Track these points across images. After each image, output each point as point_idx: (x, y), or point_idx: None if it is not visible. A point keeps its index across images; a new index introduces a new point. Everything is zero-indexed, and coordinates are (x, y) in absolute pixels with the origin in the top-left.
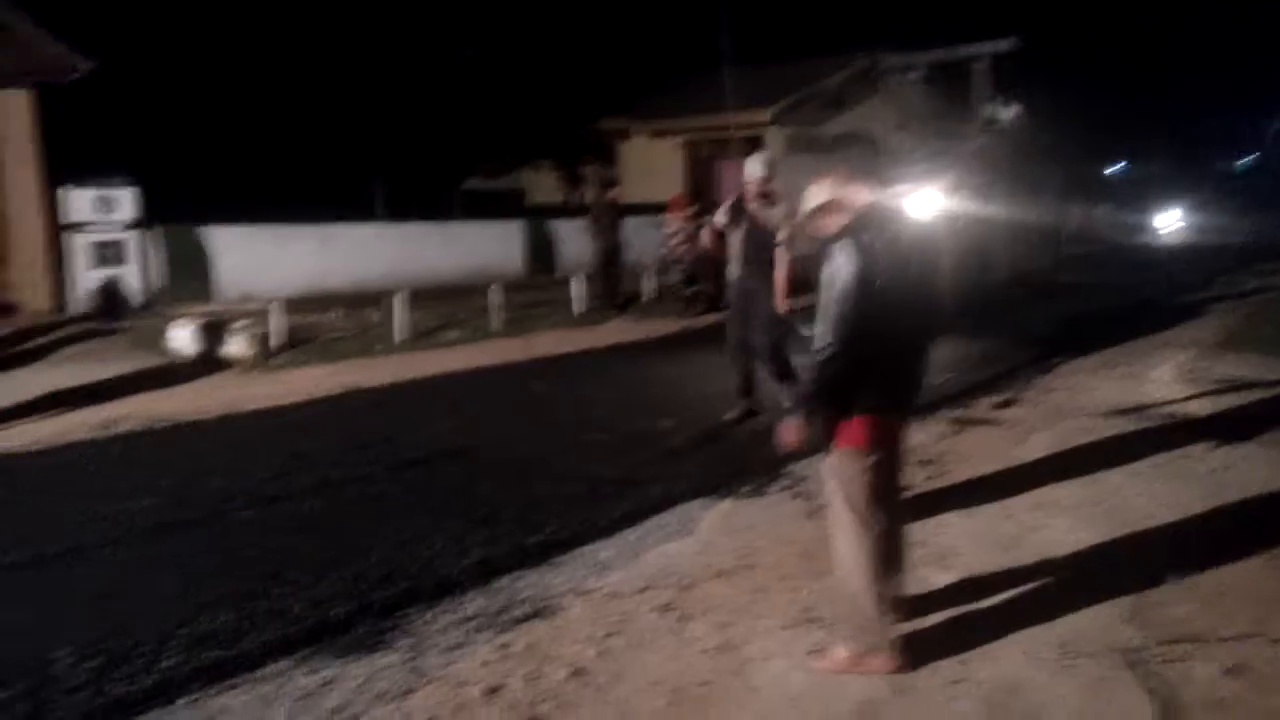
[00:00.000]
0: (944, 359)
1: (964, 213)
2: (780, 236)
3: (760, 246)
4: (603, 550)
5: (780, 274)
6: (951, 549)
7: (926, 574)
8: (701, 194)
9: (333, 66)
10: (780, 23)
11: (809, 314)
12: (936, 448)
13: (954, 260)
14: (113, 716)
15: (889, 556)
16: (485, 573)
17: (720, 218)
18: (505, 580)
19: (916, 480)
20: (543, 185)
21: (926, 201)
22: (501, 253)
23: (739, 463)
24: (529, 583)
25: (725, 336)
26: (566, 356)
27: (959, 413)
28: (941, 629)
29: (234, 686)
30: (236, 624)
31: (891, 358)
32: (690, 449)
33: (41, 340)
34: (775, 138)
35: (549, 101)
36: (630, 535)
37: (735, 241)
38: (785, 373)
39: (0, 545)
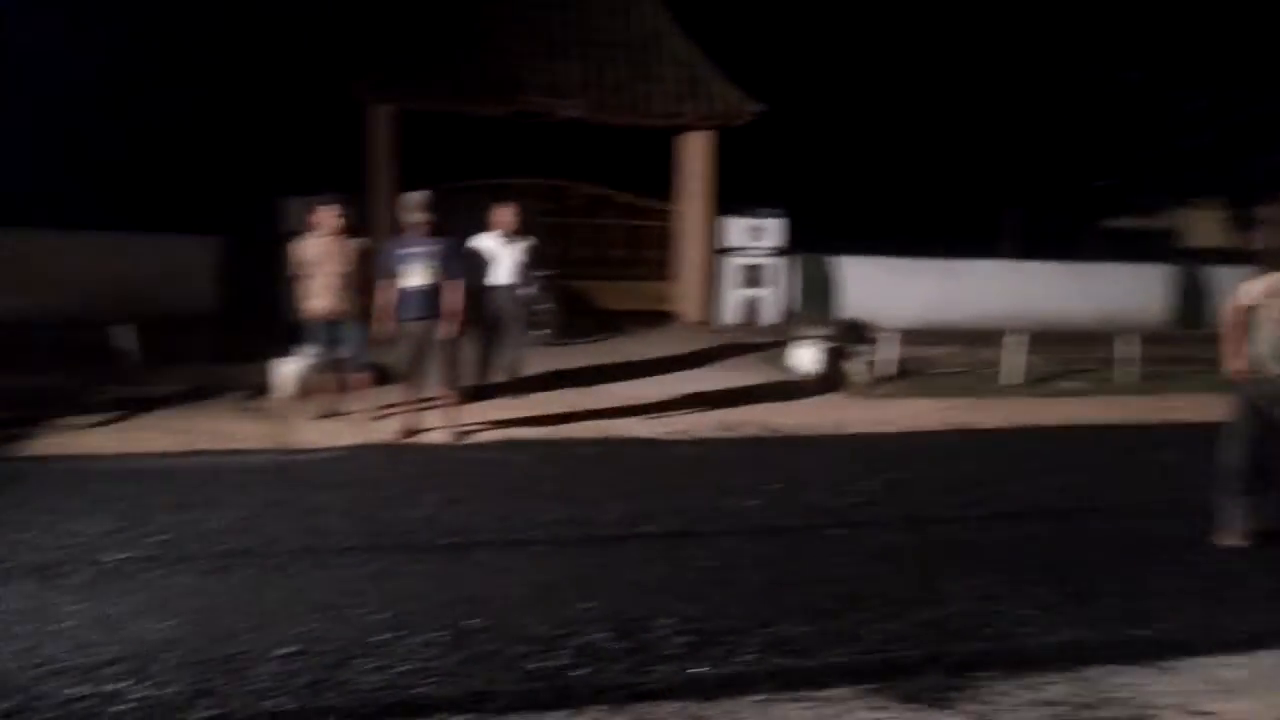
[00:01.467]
0: None
1: None
2: None
3: None
4: (1228, 667)
5: None
6: None
7: None
8: None
9: (970, 97)
10: None
11: None
12: None
13: None
14: (690, 695)
15: None
16: (1073, 656)
17: (1254, 292)
18: (1097, 672)
19: None
20: (1203, 226)
21: None
22: (1139, 299)
23: None
24: (1125, 682)
25: None
26: (1209, 425)
27: None
28: None
29: (797, 700)
30: (810, 637)
31: None
32: None
33: (695, 348)
34: None
35: (1220, 129)
36: (1270, 659)
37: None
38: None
39: (646, 514)
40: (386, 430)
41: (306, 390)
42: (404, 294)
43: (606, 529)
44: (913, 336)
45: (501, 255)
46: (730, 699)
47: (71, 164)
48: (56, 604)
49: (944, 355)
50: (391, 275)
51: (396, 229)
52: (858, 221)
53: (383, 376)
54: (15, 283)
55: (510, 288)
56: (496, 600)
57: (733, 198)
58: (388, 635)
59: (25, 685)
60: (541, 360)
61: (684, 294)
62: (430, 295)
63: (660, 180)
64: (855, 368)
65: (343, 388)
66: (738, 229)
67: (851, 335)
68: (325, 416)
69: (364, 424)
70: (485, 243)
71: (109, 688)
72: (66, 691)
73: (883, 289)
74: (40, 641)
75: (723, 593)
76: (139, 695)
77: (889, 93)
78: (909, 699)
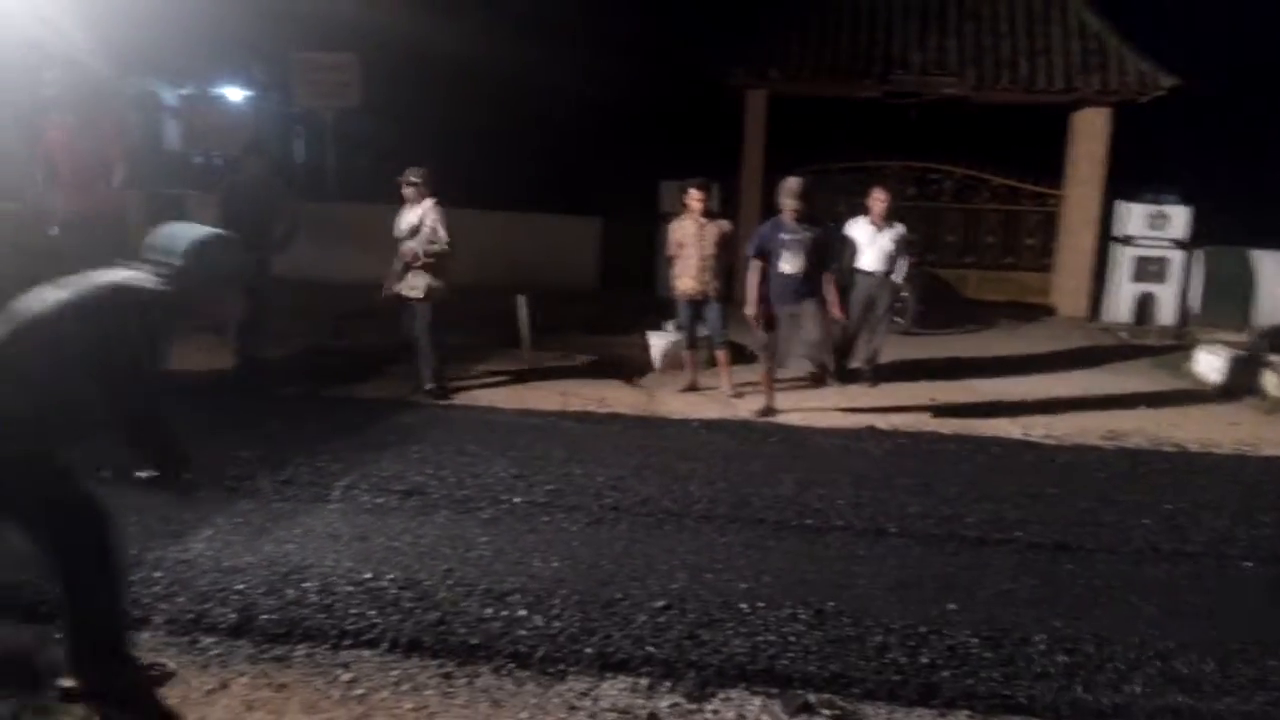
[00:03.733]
0: None
1: None
2: None
3: None
4: None
5: None
6: None
7: None
8: None
9: None
10: None
11: None
12: None
13: None
14: (1069, 717)
15: None
16: None
17: None
18: None
19: None
20: None
21: None
22: None
23: None
24: None
25: None
26: None
27: None
28: None
29: None
30: (1213, 677)
31: None
32: None
33: (1075, 346)
34: None
35: None
36: None
37: None
38: None
39: (1016, 520)
40: (746, 407)
41: (673, 364)
42: (774, 277)
43: (972, 530)
44: None
45: (872, 241)
46: None
47: (478, 148)
48: (469, 534)
49: None
50: (762, 258)
51: (766, 212)
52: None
53: (742, 355)
54: None
55: (878, 275)
56: (856, 587)
57: (1125, 181)
58: (750, 604)
59: (446, 601)
60: (903, 349)
61: (1065, 286)
62: (799, 280)
63: (1042, 162)
64: (1272, 378)
65: (706, 364)
66: (1135, 216)
67: (1272, 342)
68: (689, 390)
69: (724, 400)
70: (856, 228)
71: (512, 613)
72: (479, 611)
73: None
74: (457, 565)
75: (1108, 615)
76: (536, 624)
77: None
78: None
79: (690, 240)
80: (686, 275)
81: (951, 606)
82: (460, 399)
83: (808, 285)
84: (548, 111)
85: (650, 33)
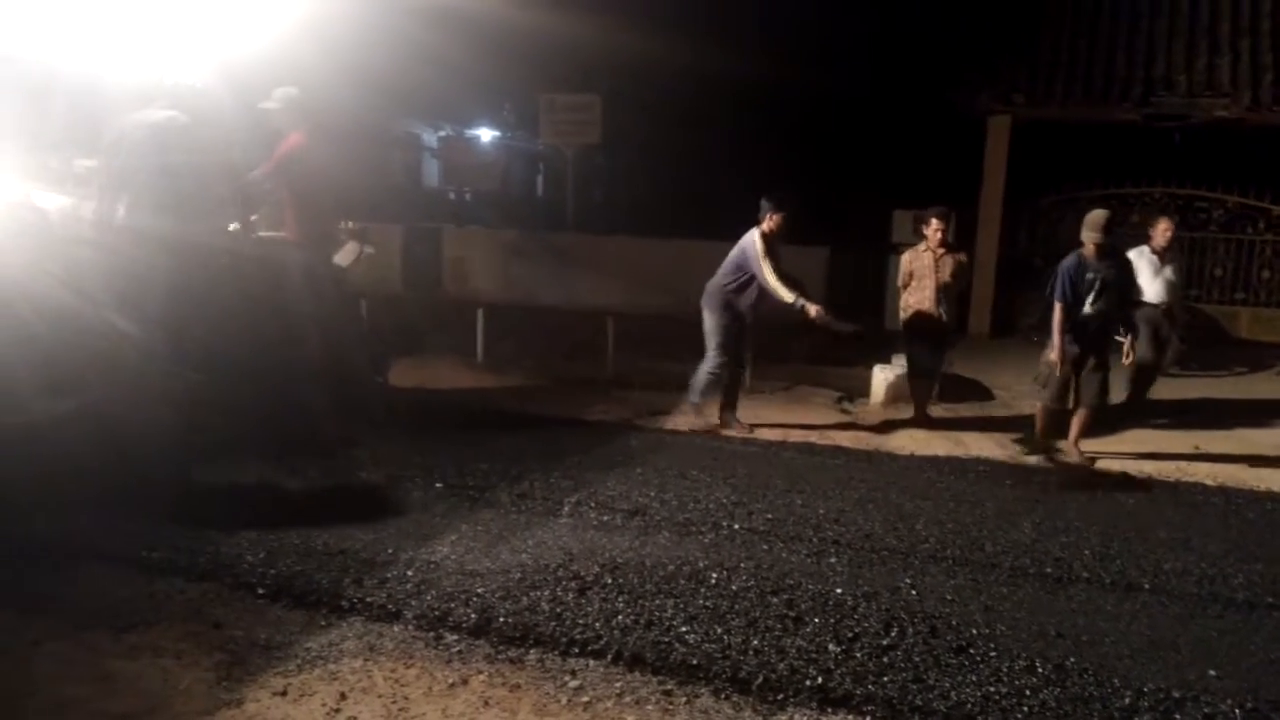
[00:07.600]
0: None
1: None
2: None
3: None
4: None
5: None
6: None
7: None
8: None
9: None
10: None
11: None
12: None
13: None
14: None
15: None
16: None
17: None
18: None
19: None
20: None
21: None
22: None
23: None
24: None
25: None
26: None
27: None
28: None
29: None
30: None
31: None
32: None
33: None
34: None
35: None
36: None
37: None
38: None
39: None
40: (976, 445)
41: (899, 397)
42: (1072, 317)
43: (1239, 592)
44: None
45: (1157, 273)
46: None
47: (706, 179)
48: (691, 557)
49: None
50: (1065, 298)
51: (1004, 243)
52: None
53: (973, 391)
54: (641, 279)
55: (1162, 307)
56: (1101, 644)
57: None
58: (982, 652)
59: (666, 620)
60: (1162, 390)
61: None
62: (1099, 321)
63: None
64: None
65: (934, 398)
66: None
67: None
68: (917, 425)
69: (954, 436)
70: (1138, 259)
71: (732, 639)
72: (702, 634)
73: None
74: (679, 588)
75: None
76: (757, 650)
77: None
78: None
79: (926, 271)
80: (917, 306)
81: (1212, 673)
82: (679, 424)
83: (1108, 326)
84: (777, 140)
85: (885, 57)
